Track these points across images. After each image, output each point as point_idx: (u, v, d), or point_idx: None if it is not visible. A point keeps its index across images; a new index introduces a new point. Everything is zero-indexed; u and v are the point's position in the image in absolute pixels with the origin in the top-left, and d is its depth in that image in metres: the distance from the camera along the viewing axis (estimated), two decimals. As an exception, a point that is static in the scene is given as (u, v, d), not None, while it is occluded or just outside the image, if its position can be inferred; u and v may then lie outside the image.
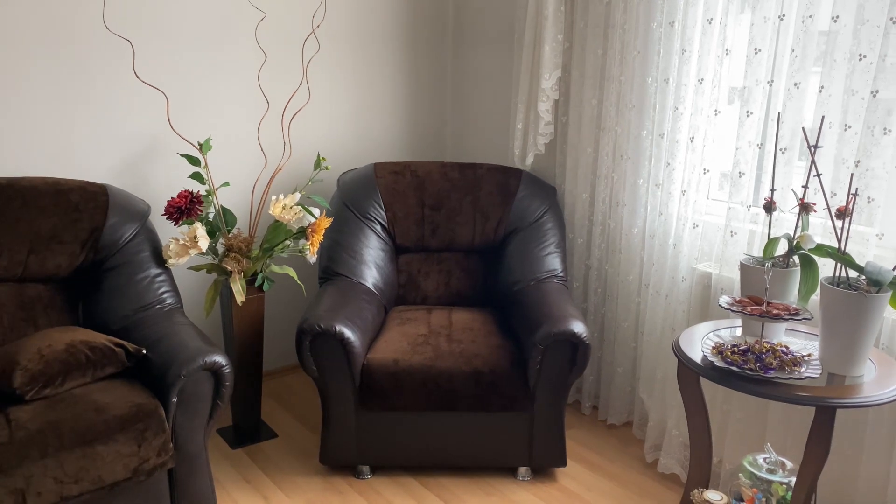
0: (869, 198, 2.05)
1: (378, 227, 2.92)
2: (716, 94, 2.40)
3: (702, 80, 2.42)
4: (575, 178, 2.93)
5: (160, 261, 2.48)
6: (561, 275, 2.81)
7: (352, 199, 2.93)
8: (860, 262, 1.98)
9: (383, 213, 2.94)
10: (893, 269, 1.81)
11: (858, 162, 2.04)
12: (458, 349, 2.47)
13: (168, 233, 2.88)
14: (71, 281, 2.40)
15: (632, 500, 2.47)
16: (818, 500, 2.24)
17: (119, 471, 1.95)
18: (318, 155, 2.78)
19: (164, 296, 2.44)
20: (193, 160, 2.59)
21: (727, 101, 2.46)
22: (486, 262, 2.98)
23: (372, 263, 2.84)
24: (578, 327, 2.35)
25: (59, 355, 2.04)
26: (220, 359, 2.10)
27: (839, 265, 1.87)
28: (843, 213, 1.89)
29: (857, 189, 2.04)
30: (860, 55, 2.01)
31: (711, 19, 2.37)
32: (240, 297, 2.56)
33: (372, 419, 2.47)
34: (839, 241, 1.88)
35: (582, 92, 2.83)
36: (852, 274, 1.87)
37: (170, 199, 2.50)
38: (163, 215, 2.49)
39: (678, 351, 1.98)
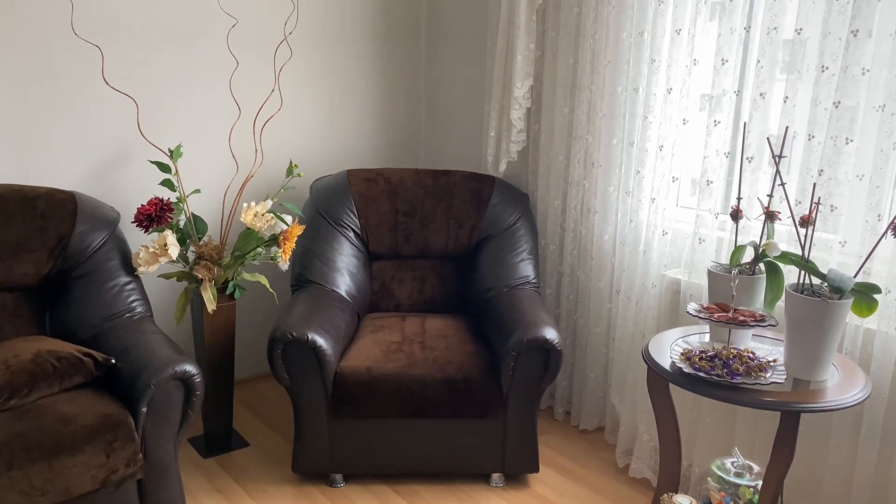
0: (832, 206, 2.09)
1: (351, 234, 2.91)
2: (684, 103, 2.43)
3: (670, 89, 2.45)
4: (547, 185, 2.96)
5: (130, 269, 2.45)
6: (534, 281, 2.83)
7: (324, 206, 2.92)
8: (824, 269, 2.02)
9: (356, 220, 2.93)
10: (854, 277, 1.85)
11: (822, 171, 2.09)
12: (431, 356, 2.48)
13: (138, 240, 2.84)
14: (38, 289, 2.37)
15: (604, 504, 2.49)
16: (784, 503, 2.28)
17: (87, 482, 1.92)
18: (291, 162, 2.77)
19: (134, 304, 2.42)
20: (164, 167, 2.57)
21: (696, 109, 2.50)
22: (459, 268, 2.99)
23: (345, 271, 2.84)
24: (551, 334, 2.37)
25: (26, 366, 2.01)
26: (190, 368, 2.09)
27: (803, 272, 1.91)
28: (806, 222, 1.93)
29: (819, 198, 2.08)
30: (823, 66, 2.05)
31: (680, 30, 2.41)
32: (211, 306, 2.54)
33: (345, 427, 2.47)
34: (803, 248, 1.92)
35: (554, 100, 2.86)
36: (816, 281, 1.91)
37: (140, 206, 2.47)
38: (132, 223, 2.47)
39: (647, 357, 2.00)
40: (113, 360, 2.14)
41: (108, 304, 2.37)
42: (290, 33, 3.12)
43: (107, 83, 2.70)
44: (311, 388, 2.41)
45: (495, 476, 2.56)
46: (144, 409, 2.03)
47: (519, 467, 2.53)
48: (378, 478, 2.60)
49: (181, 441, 2.18)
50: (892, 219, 1.84)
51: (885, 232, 1.84)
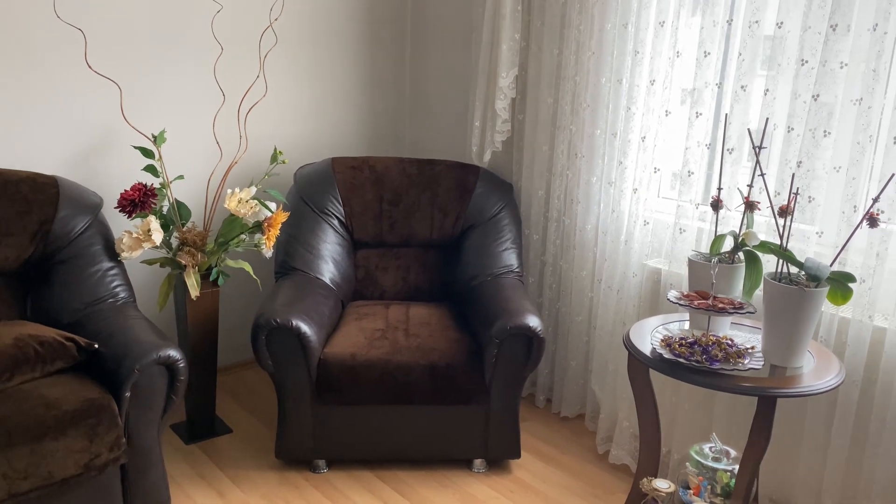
0: (810, 197, 2.14)
1: (335, 222, 2.92)
2: (667, 94, 2.47)
3: (653, 81, 2.48)
4: (531, 175, 2.98)
5: (112, 254, 2.44)
6: (517, 270, 2.86)
7: (309, 194, 2.92)
8: (801, 258, 2.06)
9: (341, 208, 2.94)
10: (831, 266, 1.89)
11: (800, 162, 2.13)
12: (415, 343, 2.50)
13: (121, 226, 2.83)
14: (19, 274, 2.35)
15: (584, 490, 2.53)
16: (760, 487, 2.33)
17: (70, 466, 1.92)
18: (275, 149, 2.77)
19: (117, 290, 2.41)
20: (147, 152, 2.56)
21: (678, 101, 2.53)
22: (443, 257, 3.01)
23: (329, 258, 2.84)
24: (533, 321, 2.40)
25: (7, 349, 2.00)
26: (174, 353, 2.09)
27: (781, 261, 1.95)
28: (785, 212, 1.97)
29: (798, 189, 2.12)
30: (803, 60, 2.09)
31: (663, 22, 2.43)
32: (194, 292, 2.54)
33: (328, 413, 2.48)
34: (781, 238, 1.96)
35: (538, 91, 2.88)
36: (793, 270, 1.95)
37: (123, 191, 2.46)
38: (116, 208, 2.46)
39: (628, 344, 2.03)
40: (96, 345, 2.13)
41: (90, 289, 2.36)
42: (276, 20, 3.11)
43: (90, 67, 2.68)
44: (295, 375, 2.42)
45: (477, 462, 2.59)
46: (128, 394, 2.03)
47: (501, 453, 2.56)
48: (361, 464, 2.62)
49: (164, 427, 2.18)
50: (867, 210, 1.88)
51: (860, 222, 1.88)
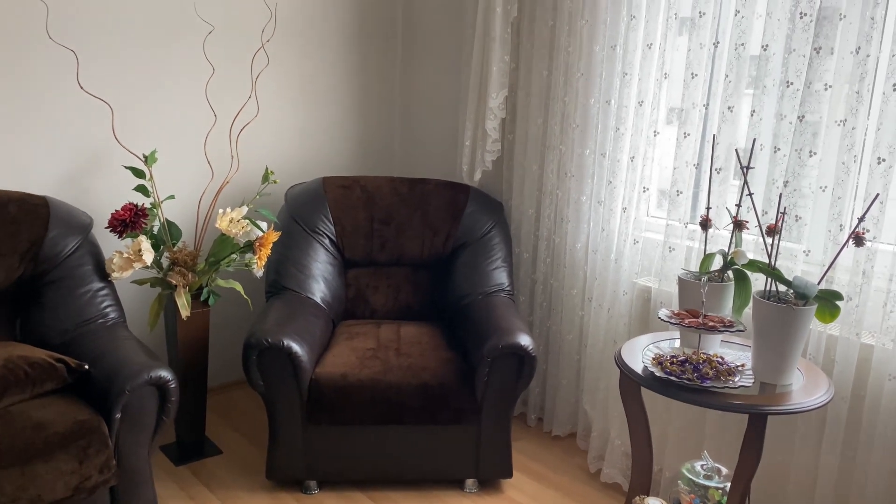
0: (797, 216, 2.17)
1: (326, 242, 2.92)
2: (655, 115, 2.50)
3: (642, 102, 2.52)
4: (521, 194, 3.00)
5: (103, 274, 2.43)
6: (508, 289, 2.87)
7: (300, 213, 2.93)
8: (789, 276, 2.09)
9: (332, 227, 2.94)
10: (818, 284, 1.92)
11: (787, 182, 2.16)
12: (406, 363, 2.50)
13: (112, 246, 2.82)
14: (9, 295, 2.34)
15: (576, 509, 2.53)
16: (752, 505, 2.34)
17: (59, 489, 1.90)
18: (267, 168, 2.78)
19: (107, 310, 2.40)
20: (138, 172, 2.56)
21: (665, 122, 2.57)
22: (434, 276, 3.02)
23: (320, 277, 2.84)
24: (525, 340, 2.41)
25: (-3, 371, 1.98)
26: (165, 374, 2.08)
27: (770, 280, 1.97)
28: (773, 231, 2.00)
29: (785, 208, 2.15)
30: (788, 82, 2.13)
31: (651, 44, 2.47)
32: (185, 312, 2.53)
33: (319, 434, 2.47)
34: (769, 257, 1.99)
35: (528, 111, 2.91)
36: (782, 288, 1.97)
37: (114, 211, 2.45)
38: (106, 228, 2.45)
39: (620, 362, 2.04)
40: (86, 366, 2.12)
41: (80, 309, 2.35)
42: (268, 41, 3.13)
43: (82, 88, 2.68)
44: (286, 395, 2.41)
45: (469, 482, 2.58)
46: (118, 416, 2.02)
47: (493, 473, 2.55)
48: (352, 484, 2.60)
49: (155, 448, 2.17)
50: (852, 229, 1.91)
51: (847, 241, 1.91)
